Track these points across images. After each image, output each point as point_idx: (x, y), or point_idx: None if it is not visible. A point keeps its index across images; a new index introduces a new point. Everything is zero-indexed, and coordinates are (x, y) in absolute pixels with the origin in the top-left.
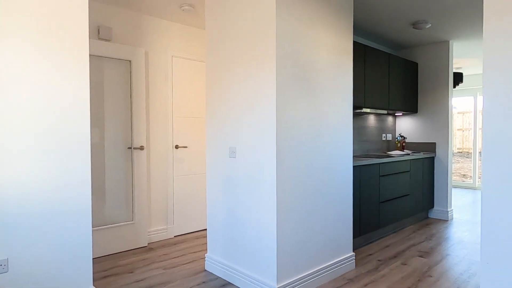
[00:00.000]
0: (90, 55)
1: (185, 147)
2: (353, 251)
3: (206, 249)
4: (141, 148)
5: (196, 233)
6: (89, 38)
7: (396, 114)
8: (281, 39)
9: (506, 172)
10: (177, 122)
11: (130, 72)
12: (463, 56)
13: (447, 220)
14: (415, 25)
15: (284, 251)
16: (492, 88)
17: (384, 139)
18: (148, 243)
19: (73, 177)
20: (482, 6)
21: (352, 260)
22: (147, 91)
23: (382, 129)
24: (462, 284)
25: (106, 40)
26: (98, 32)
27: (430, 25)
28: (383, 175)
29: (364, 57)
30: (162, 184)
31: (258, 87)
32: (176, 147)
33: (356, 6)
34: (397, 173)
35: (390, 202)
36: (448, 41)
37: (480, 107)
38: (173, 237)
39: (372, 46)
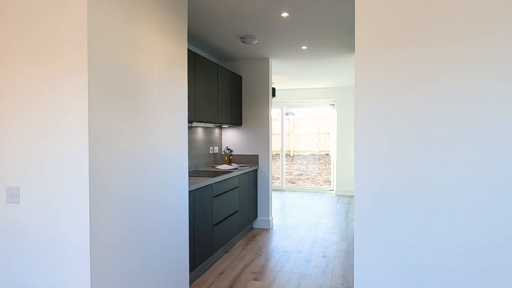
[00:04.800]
0: None
1: None
2: None
3: None
4: None
5: None
6: None
7: (222, 126)
8: (96, 42)
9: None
10: None
11: None
12: (276, 74)
13: (269, 229)
14: (243, 38)
15: None
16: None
17: (212, 152)
18: None
19: None
20: (296, 31)
21: None
22: None
23: (209, 142)
24: None
25: None
26: None
27: (257, 41)
28: (216, 195)
29: (195, 66)
30: None
31: (62, 101)
32: None
33: (189, 8)
34: (228, 190)
35: (223, 222)
36: (268, 59)
37: (284, 116)
38: None
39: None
